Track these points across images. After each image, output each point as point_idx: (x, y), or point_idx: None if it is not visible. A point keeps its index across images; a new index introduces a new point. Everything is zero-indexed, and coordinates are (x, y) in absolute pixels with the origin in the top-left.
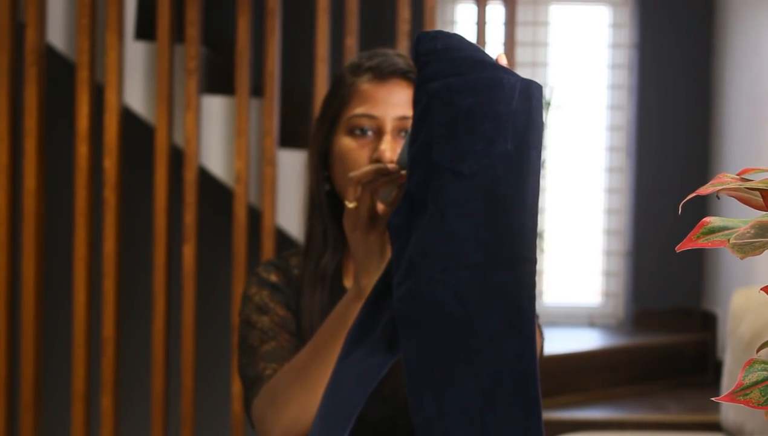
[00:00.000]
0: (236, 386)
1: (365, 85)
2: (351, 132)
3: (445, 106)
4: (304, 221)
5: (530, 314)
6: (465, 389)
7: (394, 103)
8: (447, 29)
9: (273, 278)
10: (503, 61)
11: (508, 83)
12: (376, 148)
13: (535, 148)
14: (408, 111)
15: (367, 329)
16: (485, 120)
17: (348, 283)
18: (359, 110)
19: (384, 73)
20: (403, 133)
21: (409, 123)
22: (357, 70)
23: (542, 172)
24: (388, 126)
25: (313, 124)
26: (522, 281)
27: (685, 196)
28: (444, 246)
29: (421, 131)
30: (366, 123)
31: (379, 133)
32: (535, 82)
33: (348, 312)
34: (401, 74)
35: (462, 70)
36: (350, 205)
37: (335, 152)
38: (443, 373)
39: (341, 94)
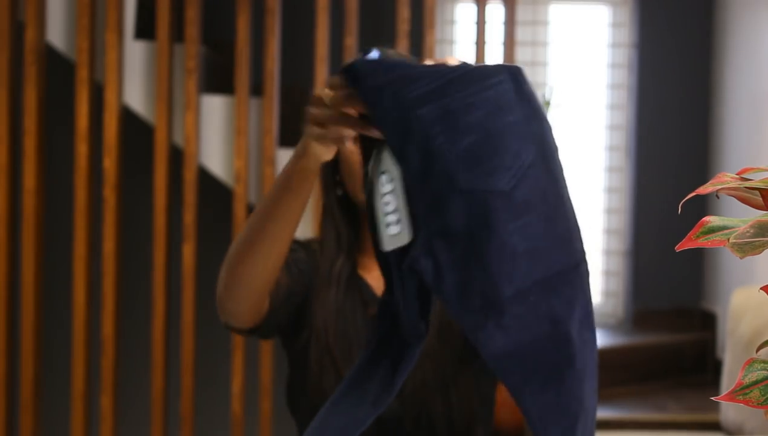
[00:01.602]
0: (236, 386)
1: None
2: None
3: (451, 130)
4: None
5: (592, 306)
6: (576, 399)
7: None
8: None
9: (293, 244)
10: (453, 63)
11: (501, 88)
12: None
13: (556, 149)
14: None
15: (362, 380)
16: (505, 133)
17: (364, 273)
18: None
19: None
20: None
21: None
22: None
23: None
24: None
25: None
26: (584, 280)
27: (685, 196)
28: (510, 267)
29: (422, 161)
30: None
31: None
32: (514, 69)
33: (285, 180)
34: None
35: (446, 88)
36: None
37: (342, 156)
38: (557, 391)
39: None
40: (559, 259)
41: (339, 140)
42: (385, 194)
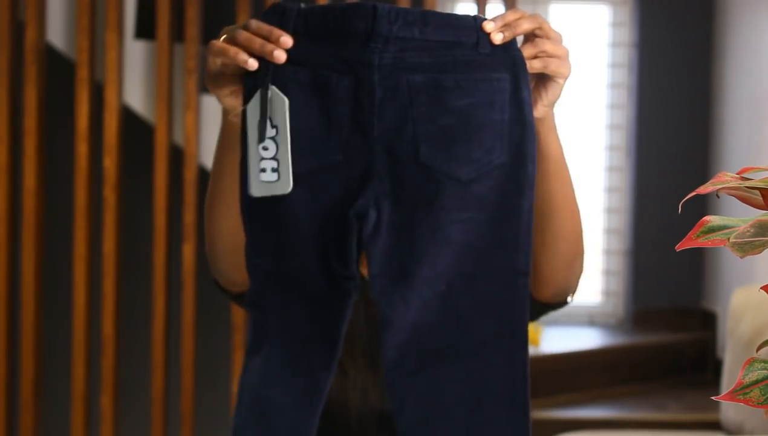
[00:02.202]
0: (236, 386)
1: None
2: None
3: (434, 105)
4: None
5: (523, 322)
6: (453, 393)
7: None
8: None
9: None
10: (488, 28)
11: (498, 86)
12: None
13: (531, 161)
14: None
15: (267, 335)
16: (484, 128)
17: (366, 271)
18: None
19: None
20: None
21: None
22: None
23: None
24: None
25: None
26: (514, 292)
27: (685, 195)
28: (438, 252)
29: (396, 121)
30: None
31: None
32: (519, 73)
33: (220, 139)
34: None
35: (447, 66)
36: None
37: None
38: (430, 376)
39: None
40: (493, 263)
41: (221, 84)
42: (266, 139)
